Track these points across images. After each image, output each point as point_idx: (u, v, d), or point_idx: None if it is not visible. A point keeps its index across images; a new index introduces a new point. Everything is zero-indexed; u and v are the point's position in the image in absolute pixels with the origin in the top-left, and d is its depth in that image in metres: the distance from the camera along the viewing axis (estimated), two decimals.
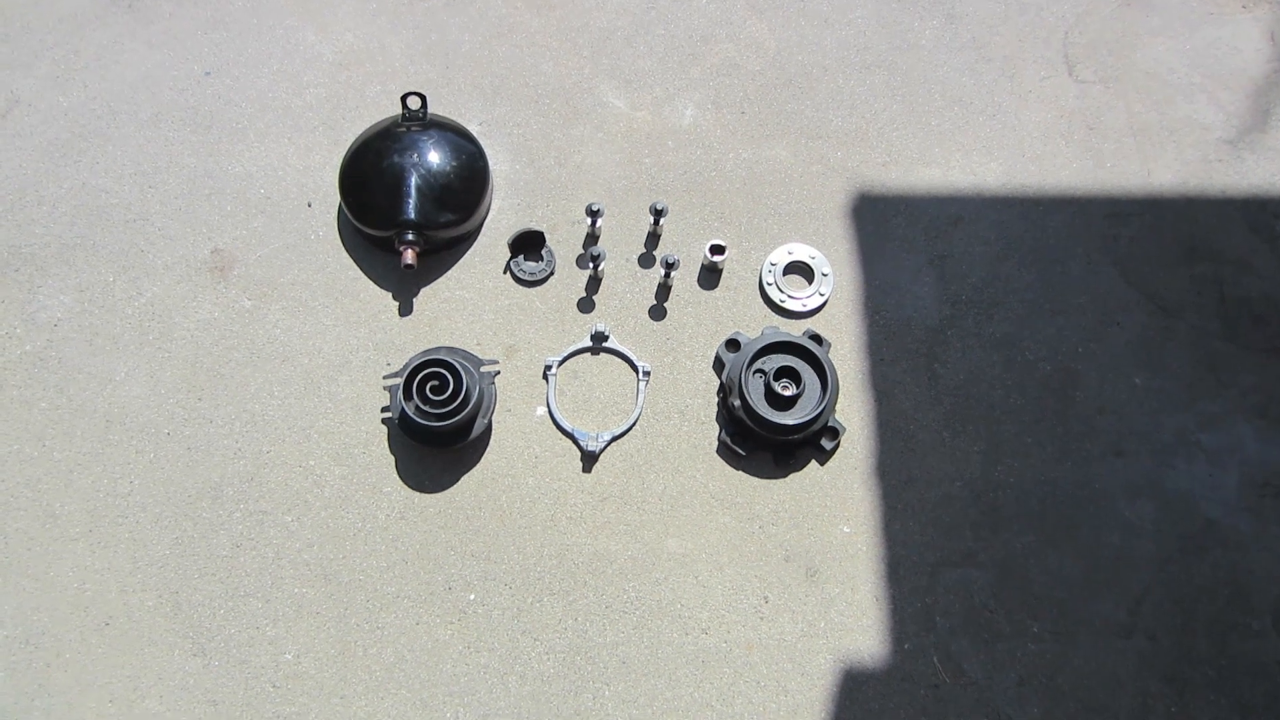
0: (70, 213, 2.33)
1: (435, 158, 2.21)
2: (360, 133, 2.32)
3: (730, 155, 2.45)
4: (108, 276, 2.27)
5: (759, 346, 2.13)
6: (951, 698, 1.96)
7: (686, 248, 2.34)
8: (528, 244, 2.31)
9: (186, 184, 2.38)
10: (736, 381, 2.10)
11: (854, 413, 2.18)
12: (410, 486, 2.11)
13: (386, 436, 2.15)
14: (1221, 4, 2.66)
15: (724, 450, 2.15)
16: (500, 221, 2.37)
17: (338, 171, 2.29)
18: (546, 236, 2.32)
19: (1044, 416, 2.19)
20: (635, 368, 2.22)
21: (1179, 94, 2.54)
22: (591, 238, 2.35)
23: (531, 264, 2.31)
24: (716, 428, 2.18)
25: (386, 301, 2.27)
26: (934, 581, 2.05)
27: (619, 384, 2.22)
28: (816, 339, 2.20)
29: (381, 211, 2.19)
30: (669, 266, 2.20)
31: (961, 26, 2.63)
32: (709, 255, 2.25)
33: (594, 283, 2.31)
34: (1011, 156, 2.46)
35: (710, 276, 2.32)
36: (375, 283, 2.29)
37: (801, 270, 2.33)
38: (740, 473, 2.14)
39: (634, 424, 2.17)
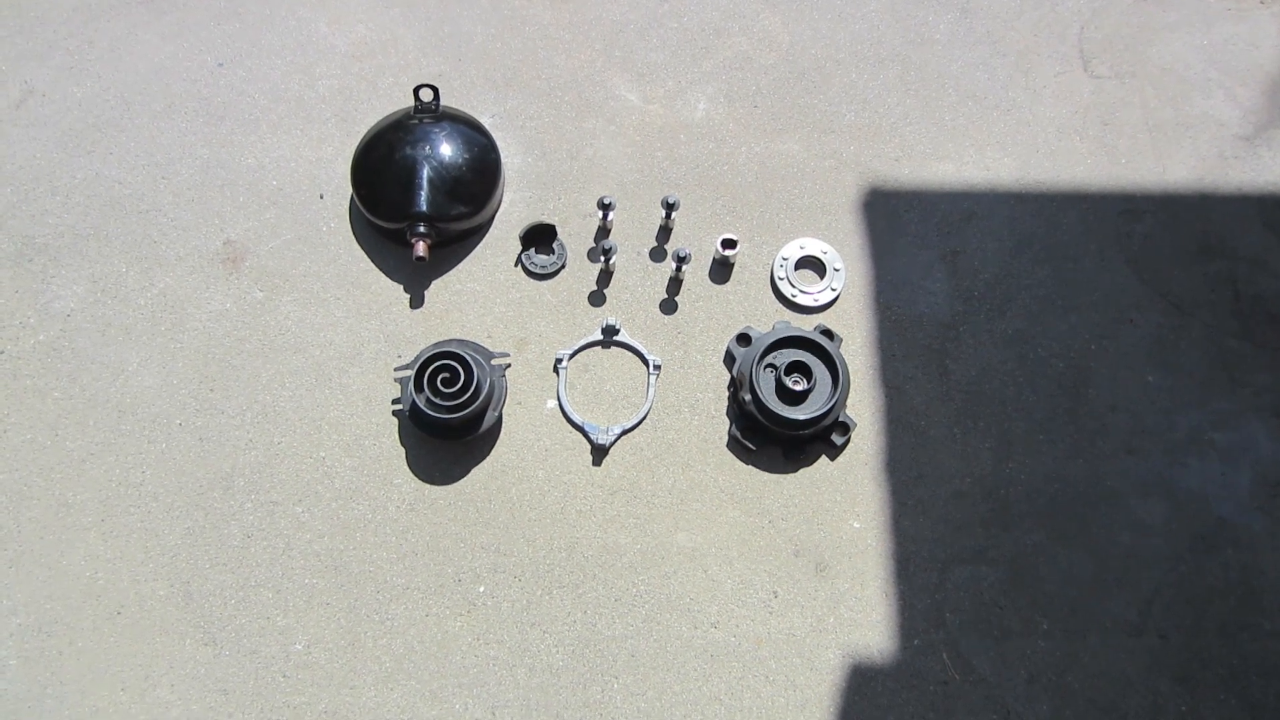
0: (83, 203, 2.34)
1: (447, 150, 2.21)
2: (372, 125, 2.32)
3: (742, 149, 2.44)
4: (120, 267, 2.28)
5: (770, 341, 2.12)
6: (960, 695, 1.96)
7: (698, 242, 2.33)
8: (539, 237, 2.31)
9: (199, 175, 2.38)
10: (747, 376, 2.09)
11: (865, 408, 2.18)
12: (420, 478, 2.11)
13: (397, 428, 2.15)
14: None
15: (734, 445, 2.15)
16: (511, 214, 2.37)
17: (350, 163, 2.29)
18: (558, 229, 2.32)
19: (1056, 414, 2.18)
20: (646, 361, 2.22)
21: (1195, 90, 2.52)
22: (603, 231, 2.35)
23: (543, 257, 2.31)
24: (727, 422, 2.17)
25: (398, 294, 2.27)
26: (944, 578, 2.04)
27: (629, 377, 2.21)
28: (828, 334, 2.19)
29: (393, 204, 2.19)
30: (680, 260, 2.20)
31: (976, 21, 2.61)
32: (720, 249, 2.24)
33: (605, 276, 2.31)
34: (1025, 152, 2.44)
35: (722, 271, 2.32)
36: (387, 275, 2.29)
37: (813, 265, 2.32)
38: (750, 467, 2.14)
39: (644, 418, 2.17)
